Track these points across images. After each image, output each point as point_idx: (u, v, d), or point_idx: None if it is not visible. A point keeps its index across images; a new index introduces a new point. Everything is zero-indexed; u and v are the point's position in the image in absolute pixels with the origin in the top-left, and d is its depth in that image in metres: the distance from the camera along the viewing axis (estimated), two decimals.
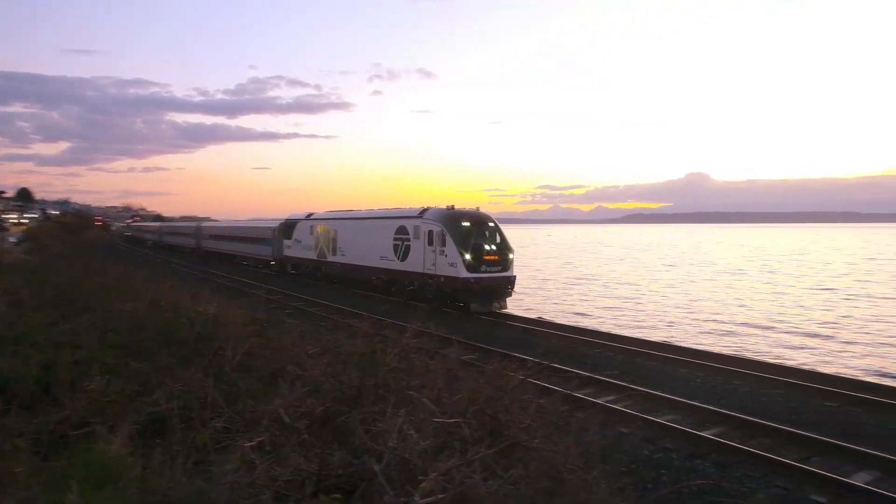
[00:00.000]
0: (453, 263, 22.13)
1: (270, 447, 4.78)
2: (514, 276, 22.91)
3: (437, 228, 22.95)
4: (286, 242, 35.91)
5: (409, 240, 24.63)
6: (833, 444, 8.50)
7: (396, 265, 25.31)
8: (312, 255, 32.79)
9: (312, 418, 5.40)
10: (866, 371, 16.37)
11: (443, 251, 22.50)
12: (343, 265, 29.65)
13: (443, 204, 24.10)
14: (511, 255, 22.84)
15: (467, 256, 21.68)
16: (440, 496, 3.98)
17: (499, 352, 12.14)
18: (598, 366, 13.48)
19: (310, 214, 34.35)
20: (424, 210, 24.44)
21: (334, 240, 30.58)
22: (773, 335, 22.27)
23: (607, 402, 10.66)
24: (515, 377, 6.89)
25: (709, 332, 23.06)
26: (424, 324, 9.46)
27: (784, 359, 17.55)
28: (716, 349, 17.82)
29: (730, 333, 22.84)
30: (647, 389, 11.25)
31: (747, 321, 25.39)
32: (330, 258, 30.88)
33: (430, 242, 23.07)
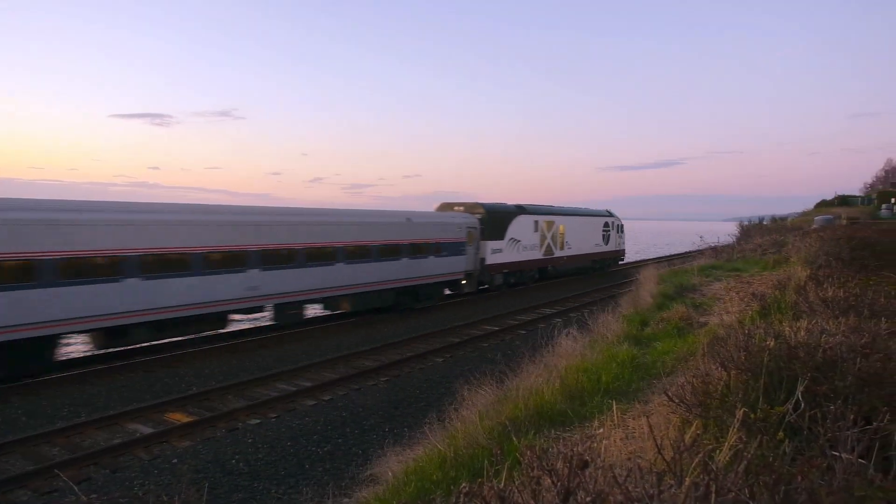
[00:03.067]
0: (623, 241, 42.39)
1: None
2: None
3: (619, 222, 41.26)
4: (491, 245, 27.17)
5: (609, 231, 39.67)
6: None
7: (602, 249, 39.06)
8: (537, 255, 30.50)
9: None
10: None
11: (620, 235, 41.67)
12: (569, 258, 34.19)
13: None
14: None
15: None
16: None
17: None
18: None
19: (520, 206, 29.85)
20: (607, 211, 41.19)
21: (562, 235, 32.94)
22: None
23: None
24: None
25: None
26: None
27: None
28: None
29: None
30: None
31: None
32: (557, 253, 32.60)
33: (620, 231, 41.57)
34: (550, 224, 31.75)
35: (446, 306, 25.48)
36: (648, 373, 7.73)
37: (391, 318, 22.48)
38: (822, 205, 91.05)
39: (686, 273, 19.25)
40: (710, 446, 3.01)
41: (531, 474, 2.39)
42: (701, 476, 2.44)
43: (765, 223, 57.88)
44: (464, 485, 2.16)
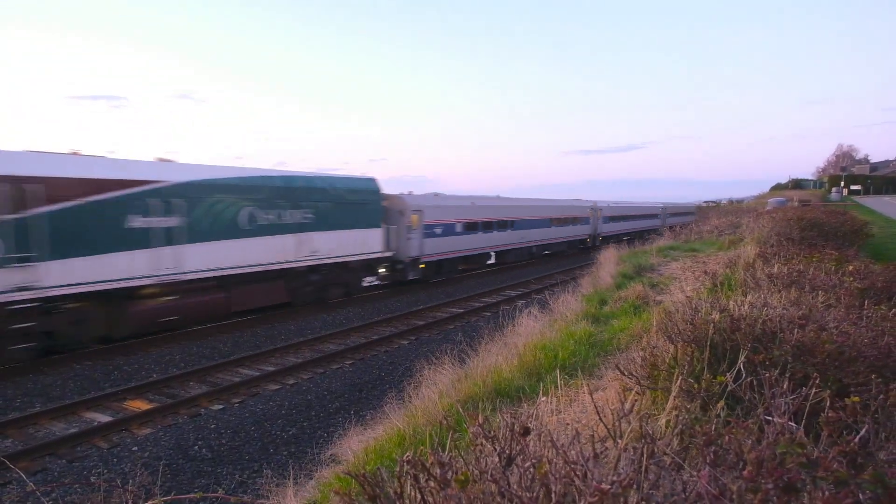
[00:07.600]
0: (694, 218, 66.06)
1: None
2: None
3: (694, 209, 75.70)
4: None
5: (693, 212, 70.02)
6: None
7: (694, 219, 59.64)
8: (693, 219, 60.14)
9: None
10: None
11: (692, 215, 66.22)
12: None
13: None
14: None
15: None
16: None
17: None
18: None
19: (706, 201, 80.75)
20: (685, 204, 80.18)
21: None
22: None
23: None
24: None
25: None
26: None
27: None
28: None
29: None
30: None
31: None
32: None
33: (690, 213, 68.59)
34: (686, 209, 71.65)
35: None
36: (604, 349, 7.94)
37: (349, 301, 22.46)
38: (777, 188, 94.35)
39: (645, 254, 19.71)
40: (647, 412, 3.15)
41: (476, 442, 2.47)
42: (638, 440, 2.56)
43: (722, 205, 62.37)
44: (407, 454, 2.23)
